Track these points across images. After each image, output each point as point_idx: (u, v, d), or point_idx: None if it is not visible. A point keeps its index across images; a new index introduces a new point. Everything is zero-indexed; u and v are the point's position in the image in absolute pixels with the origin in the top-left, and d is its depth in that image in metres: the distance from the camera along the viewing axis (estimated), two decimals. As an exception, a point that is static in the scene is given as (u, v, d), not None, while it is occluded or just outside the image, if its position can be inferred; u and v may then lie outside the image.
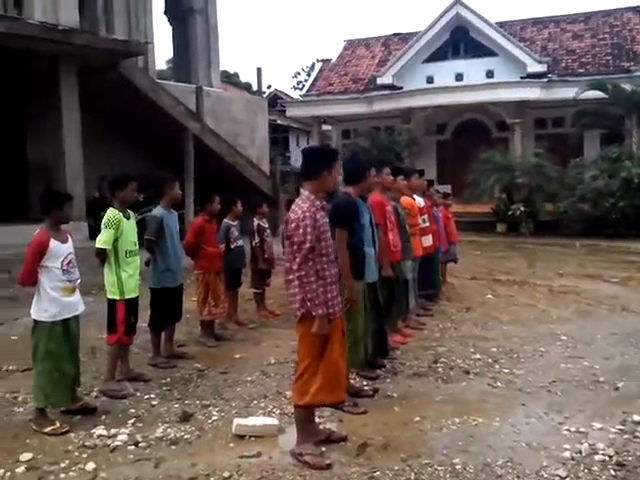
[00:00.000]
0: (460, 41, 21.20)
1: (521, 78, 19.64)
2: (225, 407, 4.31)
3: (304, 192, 3.53)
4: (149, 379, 4.88)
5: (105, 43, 10.30)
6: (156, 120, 12.20)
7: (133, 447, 3.67)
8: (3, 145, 11.59)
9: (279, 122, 29.98)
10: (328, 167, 3.54)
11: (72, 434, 3.84)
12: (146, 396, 4.53)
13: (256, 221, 7.11)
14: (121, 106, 11.99)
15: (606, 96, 16.56)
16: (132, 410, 4.25)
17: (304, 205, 3.44)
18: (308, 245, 3.32)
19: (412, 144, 19.52)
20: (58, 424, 3.89)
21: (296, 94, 40.68)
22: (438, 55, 21.36)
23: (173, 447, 3.69)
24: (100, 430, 3.87)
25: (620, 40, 20.82)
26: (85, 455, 3.57)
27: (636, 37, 20.75)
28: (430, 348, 5.77)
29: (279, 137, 32.98)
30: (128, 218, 4.68)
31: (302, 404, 3.48)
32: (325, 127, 25.58)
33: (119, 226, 4.53)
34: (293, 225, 3.39)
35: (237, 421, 3.85)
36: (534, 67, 19.52)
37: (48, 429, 3.85)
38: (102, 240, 4.50)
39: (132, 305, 4.65)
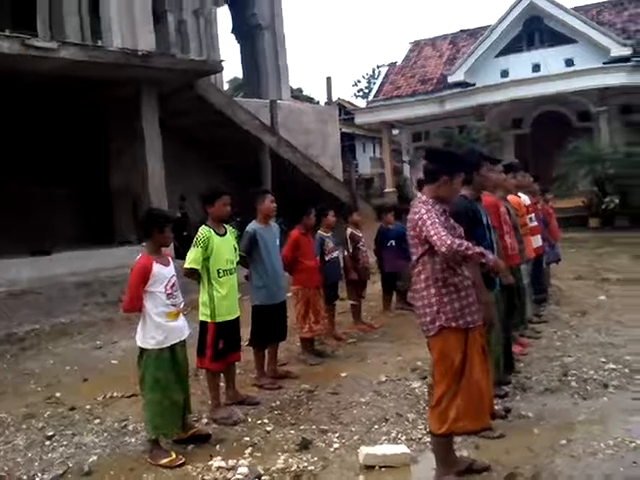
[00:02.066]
0: (535, 31, 20.21)
1: (604, 64, 18.49)
2: (345, 433, 3.97)
3: (421, 196, 3.17)
4: (257, 402, 4.63)
5: (184, 64, 10.37)
6: (231, 136, 12.19)
7: (255, 481, 3.39)
8: (86, 171, 11.88)
9: (344, 130, 29.75)
10: (450, 173, 3.15)
11: (189, 466, 3.61)
12: (258, 421, 4.27)
13: (349, 230, 6.81)
14: (197, 124, 12.06)
15: None
16: (247, 438, 3.99)
17: (426, 206, 3.08)
18: (449, 242, 2.91)
19: (491, 140, 18.74)
20: (174, 455, 3.68)
21: (358, 102, 40.49)
22: (512, 47, 20.44)
23: (298, 480, 3.39)
24: (218, 462, 3.62)
25: None
26: (206, 491, 3.32)
27: None
28: (555, 359, 5.23)
29: (345, 145, 32.78)
30: (222, 235, 4.44)
31: (442, 433, 3.10)
32: (394, 132, 25.15)
33: (208, 244, 4.29)
34: (417, 225, 3.04)
35: (365, 450, 3.50)
36: (618, 51, 18.30)
37: (164, 461, 3.65)
38: (190, 259, 4.29)
39: (225, 329, 4.35)
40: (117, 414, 4.61)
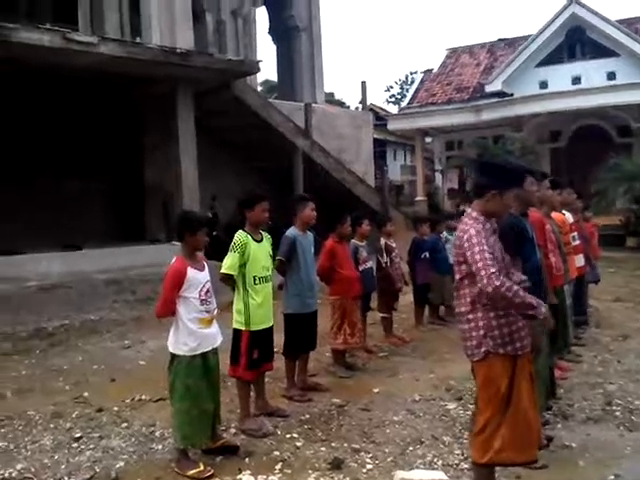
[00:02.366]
0: (577, 42, 19.82)
1: (647, 79, 18.02)
2: (378, 453, 3.83)
3: (471, 211, 3.01)
4: (287, 415, 4.50)
5: (221, 64, 10.33)
6: (265, 138, 12.14)
7: (286, 500, 3.27)
8: (120, 168, 11.94)
9: (375, 136, 29.49)
10: (500, 188, 2.98)
11: (217, 479, 3.51)
12: (288, 435, 4.14)
13: (383, 240, 6.66)
14: (232, 124, 12.02)
15: None
16: (276, 452, 3.86)
17: (475, 225, 2.91)
18: (497, 283, 2.76)
19: (527, 153, 18.38)
20: (202, 467, 3.57)
21: (390, 108, 40.25)
22: (552, 58, 20.07)
23: (331, 502, 3.26)
24: (247, 476, 3.51)
25: None
26: (235, 507, 3.21)
27: None
28: (597, 385, 5.00)
29: (376, 151, 32.51)
30: (259, 241, 4.34)
31: (484, 463, 2.93)
32: (426, 139, 24.89)
33: (245, 250, 4.18)
34: (463, 245, 2.88)
35: (400, 474, 3.36)
36: (664, 66, 17.84)
37: (191, 472, 3.54)
38: (226, 265, 4.18)
39: (259, 338, 4.23)
40: (145, 418, 4.53)
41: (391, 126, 23.06)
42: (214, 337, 3.72)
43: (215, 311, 3.77)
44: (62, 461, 3.82)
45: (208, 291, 3.68)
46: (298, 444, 3.99)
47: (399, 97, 52.70)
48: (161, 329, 7.58)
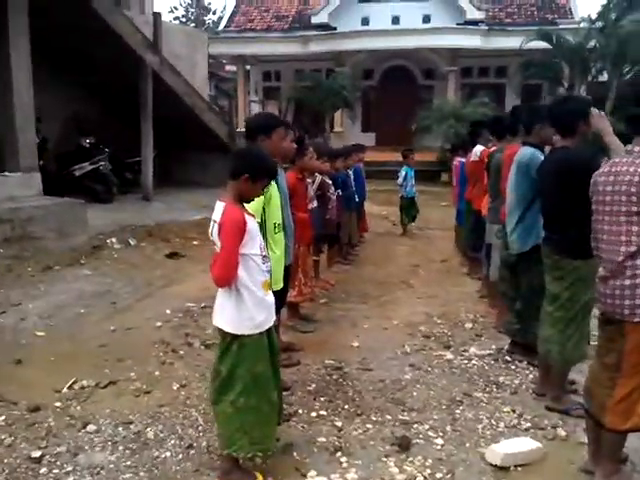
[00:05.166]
0: (398, -19, 20.31)
1: (457, 24, 19.27)
2: (430, 422, 3.36)
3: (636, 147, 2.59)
4: (289, 387, 3.76)
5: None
6: (106, 50, 10.07)
7: (391, 502, 2.66)
8: None
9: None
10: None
11: (283, 488, 2.73)
12: (313, 414, 3.44)
13: (319, 177, 5.96)
14: (62, 30, 9.71)
15: (541, 47, 16.66)
16: (321, 439, 3.16)
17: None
18: None
19: (354, 89, 18.59)
20: (260, 477, 2.74)
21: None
22: (375, -6, 20.33)
23: (439, 495, 2.74)
24: (317, 478, 2.79)
25: (544, -9, 21.11)
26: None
27: (560, -12, 21.13)
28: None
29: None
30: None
31: (626, 429, 2.67)
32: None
33: (268, 188, 3.25)
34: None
35: (497, 449, 2.95)
36: (473, 14, 19.19)
37: (248, 486, 2.70)
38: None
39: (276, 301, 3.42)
40: (108, 413, 3.40)
41: (212, 50, 21.34)
42: (273, 306, 2.79)
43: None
44: (39, 499, 2.64)
45: (265, 246, 2.74)
46: (337, 424, 3.33)
47: (184, 21, 49.35)
48: (28, 284, 5.99)
